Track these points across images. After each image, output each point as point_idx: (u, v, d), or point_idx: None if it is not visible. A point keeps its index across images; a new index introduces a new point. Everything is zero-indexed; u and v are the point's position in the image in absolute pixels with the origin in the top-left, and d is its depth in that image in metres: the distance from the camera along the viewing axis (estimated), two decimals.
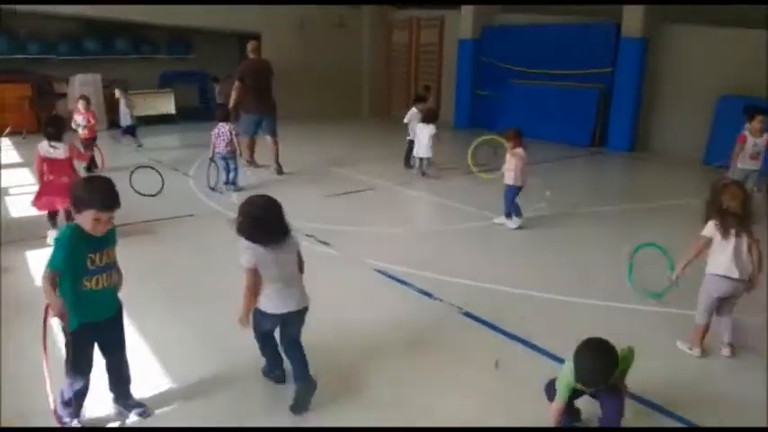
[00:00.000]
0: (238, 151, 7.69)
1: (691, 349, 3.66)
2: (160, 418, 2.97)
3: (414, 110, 9.40)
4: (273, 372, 3.30)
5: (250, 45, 8.90)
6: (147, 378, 3.26)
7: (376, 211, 7.07)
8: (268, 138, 8.95)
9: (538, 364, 3.52)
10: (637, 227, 6.30)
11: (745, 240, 3.42)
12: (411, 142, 9.11)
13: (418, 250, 5.62)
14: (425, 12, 15.65)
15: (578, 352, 2.59)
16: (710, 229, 3.49)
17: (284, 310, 3.00)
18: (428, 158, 8.74)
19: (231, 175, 7.70)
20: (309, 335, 3.84)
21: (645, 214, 6.88)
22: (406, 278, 4.79)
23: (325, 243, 5.66)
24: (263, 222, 2.90)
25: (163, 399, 3.11)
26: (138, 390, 3.08)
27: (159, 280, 4.77)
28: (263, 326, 3.13)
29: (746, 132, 6.57)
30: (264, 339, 3.22)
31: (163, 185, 7.25)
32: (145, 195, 6.95)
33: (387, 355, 3.64)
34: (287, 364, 3.23)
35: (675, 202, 7.31)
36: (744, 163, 6.57)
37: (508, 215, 6.25)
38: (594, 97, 11.66)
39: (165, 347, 3.65)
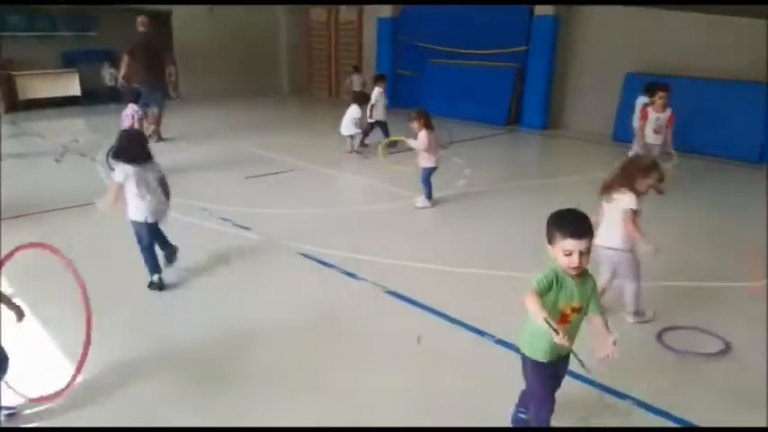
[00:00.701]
0: None
1: None
2: (68, 417, 2.80)
3: (377, 89, 9.44)
4: (152, 275, 4.17)
5: (139, 19, 9.14)
6: (54, 377, 3.06)
7: (298, 192, 6.96)
8: (155, 109, 9.37)
9: (459, 337, 3.60)
10: (550, 200, 6.51)
11: (616, 209, 3.53)
12: (375, 123, 9.26)
13: (342, 232, 5.58)
14: None
15: (553, 217, 2.33)
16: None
17: (149, 220, 4.04)
18: (350, 136, 8.83)
19: None
20: (237, 321, 3.77)
21: (557, 189, 7.15)
22: (331, 260, 4.75)
23: (244, 227, 5.51)
24: (129, 148, 3.98)
25: (72, 397, 2.93)
26: (44, 389, 2.89)
27: (64, 273, 4.47)
28: (141, 236, 4.10)
29: (649, 108, 6.92)
30: (146, 251, 4.14)
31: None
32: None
33: (314, 337, 3.61)
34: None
35: (585, 176, 7.62)
36: (648, 137, 6.93)
37: (428, 196, 6.31)
38: (510, 76, 11.94)
39: (70, 344, 3.43)
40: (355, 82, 13.50)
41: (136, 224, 4.06)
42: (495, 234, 5.55)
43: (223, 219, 5.68)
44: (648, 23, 10.07)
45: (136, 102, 7.44)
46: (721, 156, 9.01)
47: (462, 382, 3.12)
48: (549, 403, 2.48)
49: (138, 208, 4.00)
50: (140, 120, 7.35)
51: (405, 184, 6.94)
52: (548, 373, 2.44)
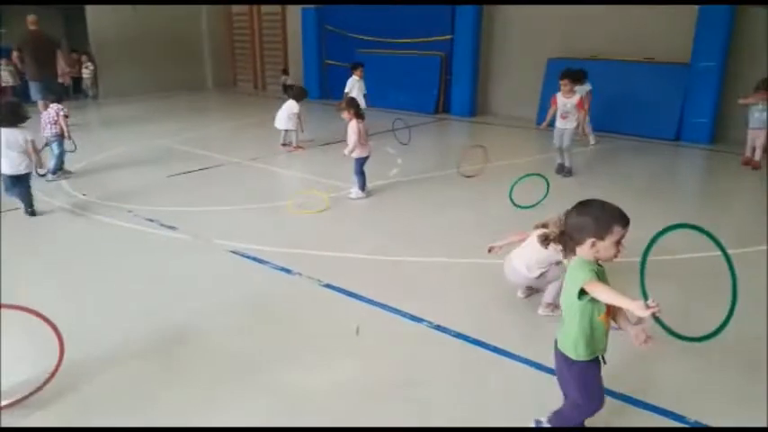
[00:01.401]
0: (66, 133, 6.97)
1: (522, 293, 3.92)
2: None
3: (353, 78, 9.40)
4: (27, 208, 5.44)
5: (29, 18, 9.28)
6: None
7: (226, 189, 6.75)
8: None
9: (397, 325, 3.60)
10: (482, 186, 6.66)
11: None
12: None
13: (273, 227, 5.47)
14: None
15: (604, 210, 2.27)
16: None
17: (14, 173, 5.25)
18: (285, 131, 8.67)
19: (53, 162, 6.92)
20: (168, 324, 3.61)
21: (487, 175, 7.24)
22: (263, 256, 4.64)
23: (170, 227, 5.30)
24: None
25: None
26: None
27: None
28: (8, 186, 5.31)
29: (558, 94, 7.11)
30: (16, 195, 5.38)
31: None
32: None
33: (253, 335, 3.52)
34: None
35: (512, 161, 7.83)
36: (558, 122, 7.12)
37: (361, 187, 6.27)
38: (436, 65, 12.03)
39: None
40: (288, 83, 13.59)
41: (4, 176, 5.25)
42: (429, 222, 5.59)
43: (149, 219, 5.44)
44: (570, 9, 10.36)
45: (59, 101, 7.11)
46: (640, 135, 9.45)
47: (404, 370, 3.11)
48: (598, 399, 2.38)
49: (5, 163, 5.15)
50: (65, 117, 6.98)
51: (338, 176, 6.88)
52: (596, 370, 2.35)
